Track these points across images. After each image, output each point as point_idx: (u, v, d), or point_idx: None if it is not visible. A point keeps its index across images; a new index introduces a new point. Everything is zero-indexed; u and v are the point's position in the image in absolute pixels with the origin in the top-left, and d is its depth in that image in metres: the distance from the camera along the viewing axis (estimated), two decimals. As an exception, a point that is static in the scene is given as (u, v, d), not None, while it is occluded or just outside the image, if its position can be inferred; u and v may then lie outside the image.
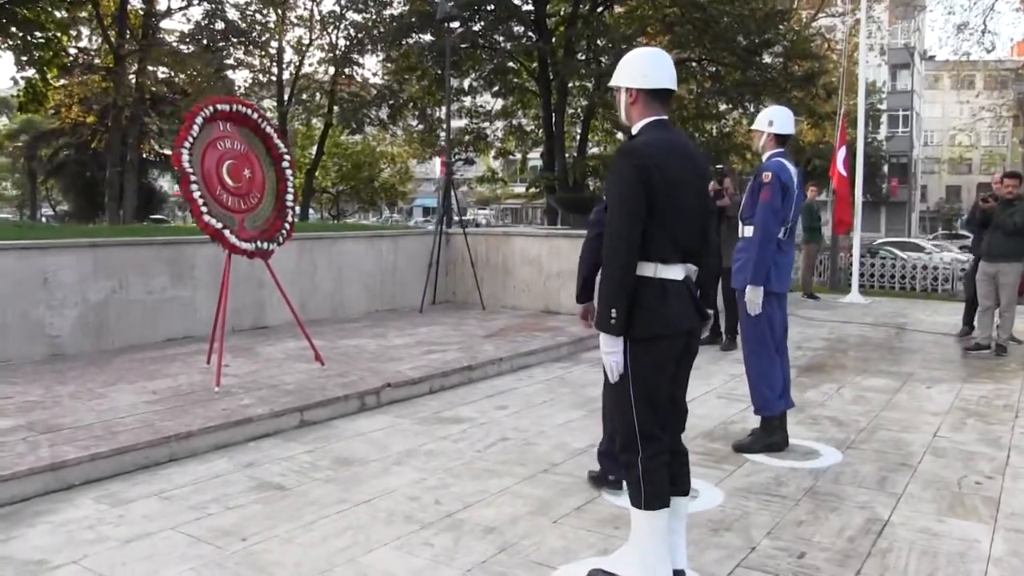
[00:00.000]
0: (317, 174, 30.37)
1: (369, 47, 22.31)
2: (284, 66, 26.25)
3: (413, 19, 19.75)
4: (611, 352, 3.04)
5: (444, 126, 25.98)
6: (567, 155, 23.71)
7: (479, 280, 10.34)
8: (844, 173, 12.72)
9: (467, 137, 25.33)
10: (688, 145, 3.32)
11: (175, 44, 24.40)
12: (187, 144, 5.71)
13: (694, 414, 5.70)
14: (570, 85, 22.84)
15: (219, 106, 6.02)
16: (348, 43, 24.33)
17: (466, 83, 24.05)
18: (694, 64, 21.38)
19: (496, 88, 23.57)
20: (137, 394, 5.62)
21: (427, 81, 22.61)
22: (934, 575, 3.36)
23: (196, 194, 5.69)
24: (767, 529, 3.82)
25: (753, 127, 5.26)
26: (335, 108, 25.30)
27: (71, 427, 4.78)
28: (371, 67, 26.27)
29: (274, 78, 26.32)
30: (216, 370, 5.81)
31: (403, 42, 20.85)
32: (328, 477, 4.44)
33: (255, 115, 6.27)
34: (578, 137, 24.83)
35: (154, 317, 7.67)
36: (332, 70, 25.61)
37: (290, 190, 6.49)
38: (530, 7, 21.79)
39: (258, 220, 6.27)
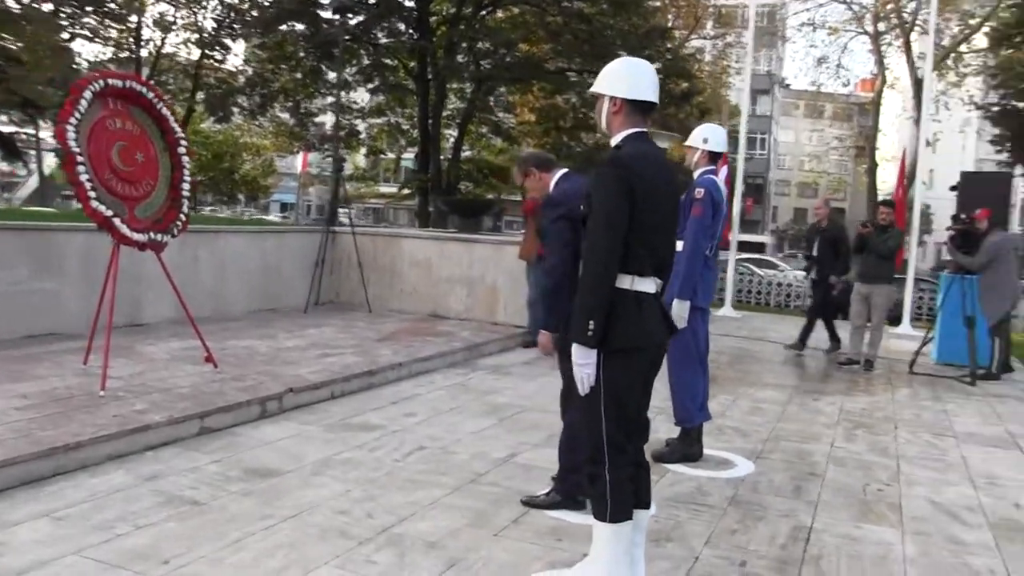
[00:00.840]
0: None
1: (241, 31, 21.24)
2: (143, 43, 24.63)
3: (291, 7, 18.96)
4: (585, 364, 2.97)
5: (314, 120, 25.36)
6: (442, 157, 23.48)
7: (366, 281, 10.00)
8: (725, 191, 13.07)
9: (340, 133, 24.63)
10: (665, 159, 3.30)
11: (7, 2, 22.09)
12: (73, 120, 5.16)
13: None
14: (448, 87, 22.66)
15: (111, 81, 5.49)
16: (217, 25, 23.12)
17: (335, 78, 23.40)
18: (574, 75, 21.60)
19: (374, 84, 23.06)
20: (3, 399, 5.01)
21: (300, 73, 21.81)
22: (865, 579, 3.50)
23: (83, 177, 5.16)
24: (704, 538, 3.87)
25: (687, 143, 5.29)
26: (199, 93, 24.03)
27: (-64, 435, 4.21)
28: (239, 53, 24.78)
29: (132, 55, 24.57)
30: (102, 372, 5.28)
31: (278, 30, 20.00)
32: (244, 490, 4.09)
33: (150, 94, 5.77)
34: (453, 139, 24.68)
35: (10, 311, 6.93)
36: (197, 52, 24.26)
37: (186, 178, 6.01)
38: (412, 4, 21.44)
39: (150, 209, 5.76)
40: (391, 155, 28.52)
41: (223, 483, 4.18)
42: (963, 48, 27.83)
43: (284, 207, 65.75)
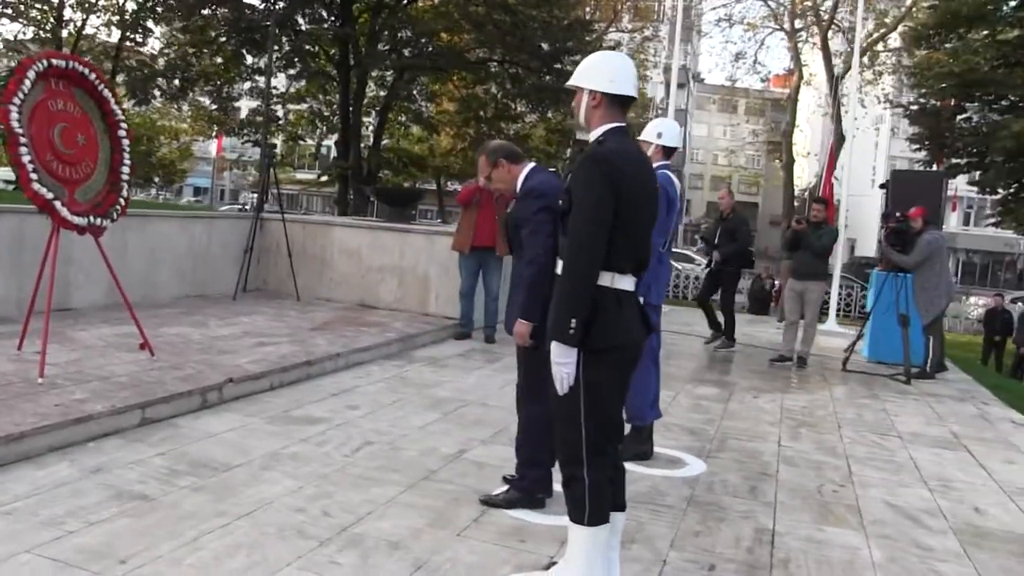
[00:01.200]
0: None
1: (164, 14, 20.55)
2: (64, 23, 23.56)
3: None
4: (565, 363, 2.96)
5: (234, 105, 24.76)
6: (362, 145, 23.24)
7: (295, 269, 9.89)
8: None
9: (258, 119, 24.15)
10: (645, 155, 3.34)
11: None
12: (16, 101, 4.99)
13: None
14: (370, 75, 22.42)
15: (54, 61, 5.32)
16: (138, 6, 22.27)
17: (262, 63, 22.92)
18: (495, 65, 21.65)
19: (297, 70, 22.66)
20: (-64, 384, 4.85)
21: (221, 58, 21.24)
22: (832, 583, 3.61)
23: (25, 159, 5.00)
24: (668, 540, 3.90)
25: (640, 138, 5.33)
26: (119, 76, 23.16)
27: None
28: (161, 36, 23.77)
29: (53, 36, 23.48)
30: (40, 359, 5.13)
31: (201, 14, 19.43)
32: (194, 485, 4.05)
33: (92, 75, 5.60)
34: (371, 128, 24.43)
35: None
36: (117, 34, 23.35)
37: (126, 162, 5.86)
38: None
39: (89, 193, 5.61)
40: (310, 142, 28.05)
41: (171, 477, 4.13)
42: (879, 47, 28.87)
43: (197, 191, 64.05)
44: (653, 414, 5.32)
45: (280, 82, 24.16)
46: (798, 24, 32.48)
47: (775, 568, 3.69)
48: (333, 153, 25.75)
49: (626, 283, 3.04)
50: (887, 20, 28.56)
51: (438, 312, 9.61)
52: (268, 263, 10.34)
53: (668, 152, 5.27)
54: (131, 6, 22.92)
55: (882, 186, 10.96)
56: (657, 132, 5.26)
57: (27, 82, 5.06)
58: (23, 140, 4.99)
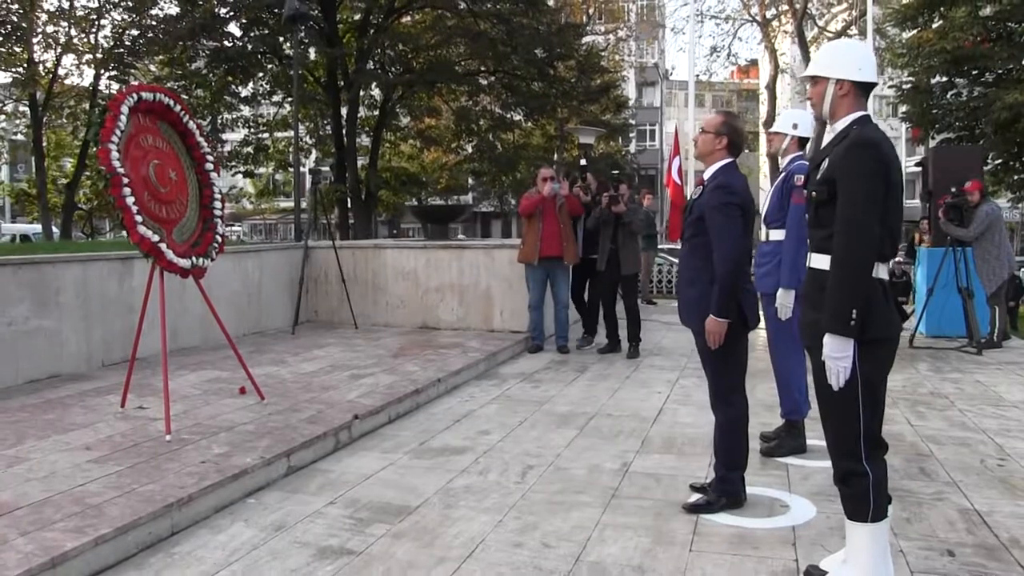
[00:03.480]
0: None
1: (144, 50, 20.01)
2: (36, 63, 22.87)
3: (203, 21, 17.98)
4: (842, 357, 2.82)
5: (221, 137, 24.23)
6: (359, 166, 22.82)
7: (350, 297, 9.52)
8: (679, 182, 13.18)
9: (246, 149, 23.67)
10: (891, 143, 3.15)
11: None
12: (115, 139, 4.62)
13: (681, 423, 5.57)
14: (361, 94, 22.02)
15: (143, 95, 4.94)
16: (115, 44, 21.71)
17: (244, 92, 22.47)
18: (492, 76, 21.37)
19: (281, 96, 22.22)
20: (67, 452, 4.42)
21: (206, 90, 20.72)
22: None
23: (129, 200, 4.62)
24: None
25: (775, 129, 5.12)
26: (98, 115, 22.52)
27: (25, 506, 3.64)
28: (140, 73, 23.10)
29: (32, 78, 22.75)
30: (165, 414, 4.74)
31: (189, 46, 18.93)
32: (391, 532, 3.69)
33: (178, 107, 5.23)
34: (358, 147, 24.00)
35: (13, 354, 6.22)
36: (94, 73, 22.71)
37: (217, 196, 5.49)
38: (318, 13, 20.70)
39: (185, 232, 5.24)
40: (305, 167, 27.54)
41: (360, 526, 3.77)
42: (853, 31, 28.98)
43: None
44: (807, 407, 5.08)
45: (269, 110, 23.68)
46: (770, 14, 32.54)
47: (1013, 549, 3.52)
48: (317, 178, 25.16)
49: (884, 272, 2.91)
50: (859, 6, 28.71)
51: (503, 327, 9.29)
52: (317, 293, 9.95)
53: (803, 143, 5.04)
54: (105, 43, 22.27)
55: (918, 164, 10.87)
56: (792, 123, 5.02)
57: (123, 118, 4.69)
58: (126, 181, 4.61)
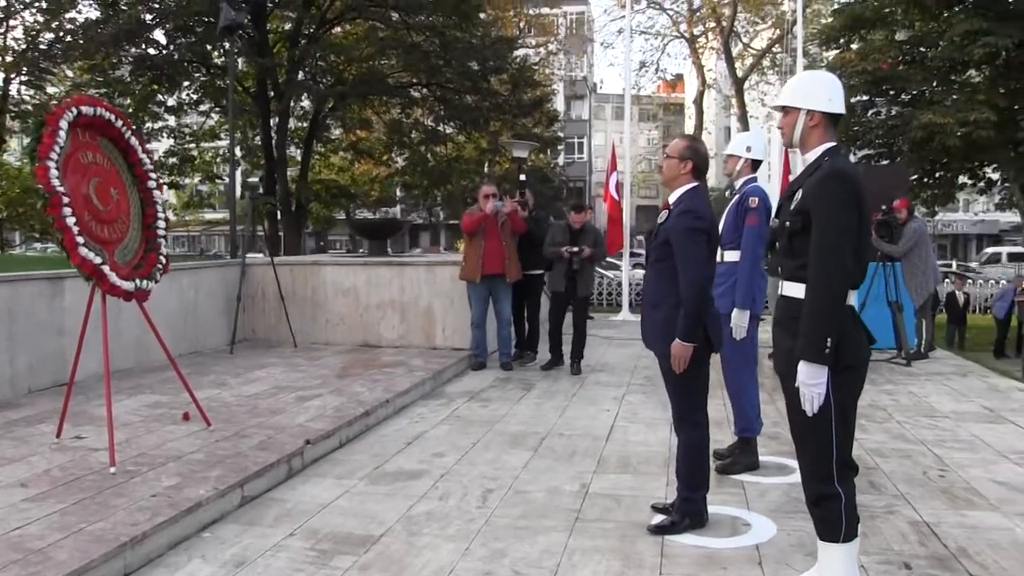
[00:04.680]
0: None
1: (61, 55, 19.26)
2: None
3: (128, 27, 17.41)
4: (817, 383, 2.87)
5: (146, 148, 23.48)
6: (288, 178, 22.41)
7: (289, 315, 9.31)
8: (616, 197, 13.29)
9: (171, 160, 23.03)
10: None
11: None
12: (54, 156, 4.41)
13: (633, 441, 5.59)
14: (291, 106, 21.66)
15: (83, 109, 4.73)
16: (28, 47, 20.83)
17: (170, 101, 21.88)
18: (425, 88, 21.26)
19: (209, 106, 21.71)
20: (2, 491, 4.19)
21: (129, 100, 20.07)
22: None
23: (70, 220, 4.42)
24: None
25: (729, 152, 5.18)
26: (14, 122, 21.62)
27: (-37, 547, 3.42)
28: (58, 80, 22.21)
29: None
30: (109, 444, 4.52)
31: (112, 52, 18.29)
32: (358, 564, 3.59)
33: (120, 122, 5.03)
34: (288, 159, 23.57)
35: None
36: (3, 77, 21.74)
37: (160, 216, 5.29)
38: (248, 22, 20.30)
39: (128, 254, 5.03)
40: (228, 179, 26.89)
41: (323, 559, 3.66)
42: (776, 49, 29.78)
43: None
44: (760, 425, 5.16)
45: (196, 120, 23.08)
46: (698, 31, 33.26)
47: (961, 558, 3.64)
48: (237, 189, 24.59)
49: (853, 299, 2.98)
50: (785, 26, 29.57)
51: (445, 344, 9.19)
52: (254, 310, 9.70)
53: (756, 165, 5.11)
54: (13, 45, 21.36)
55: None
56: (746, 146, 5.10)
57: (61, 134, 4.48)
58: (66, 200, 4.40)
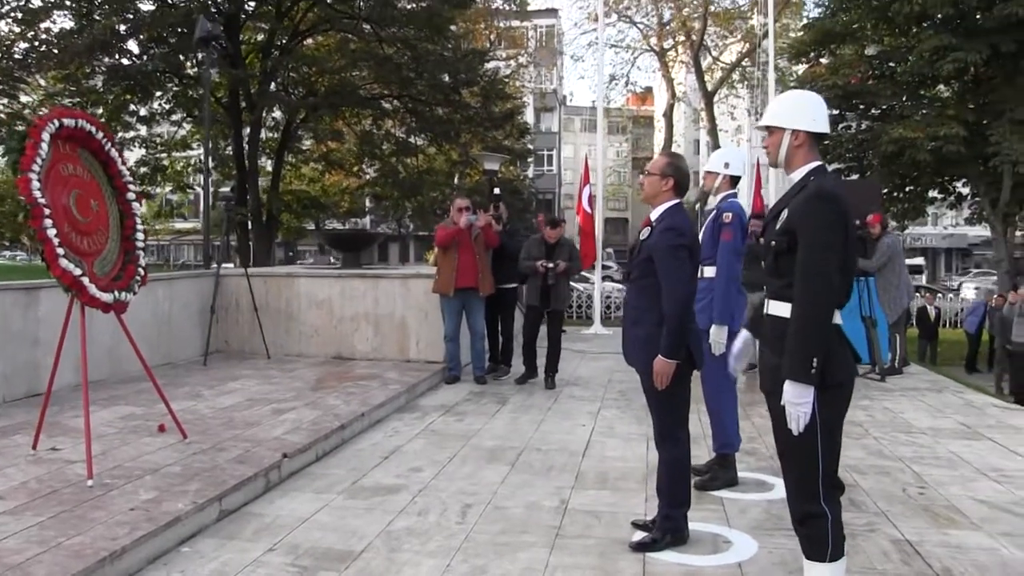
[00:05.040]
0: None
1: (35, 65, 19.03)
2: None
3: (103, 37, 17.24)
4: (803, 403, 2.91)
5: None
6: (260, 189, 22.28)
7: (263, 326, 9.28)
8: (589, 210, 13.40)
9: (143, 170, 22.81)
10: None
11: None
12: (36, 168, 4.40)
13: (610, 457, 5.63)
14: (263, 116, 21.57)
15: (64, 121, 4.72)
16: (2, 57, 20.55)
17: (142, 111, 21.69)
18: (397, 100, 21.28)
19: (181, 116, 21.55)
20: (-28, 503, 4.16)
21: (102, 110, 19.88)
22: None
23: (51, 232, 4.40)
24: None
25: (708, 168, 5.25)
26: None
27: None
28: (32, 89, 21.90)
29: None
30: (87, 456, 4.50)
31: (86, 62, 18.10)
32: (340, 580, 3.61)
33: (100, 134, 5.02)
34: (259, 169, 23.45)
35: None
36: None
37: (139, 228, 5.29)
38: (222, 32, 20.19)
39: (106, 265, 5.02)
40: (198, 189, 26.70)
41: (305, 575, 3.67)
42: (747, 63, 30.19)
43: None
44: (738, 441, 5.24)
45: (167, 129, 22.90)
46: (667, 44, 33.61)
47: None
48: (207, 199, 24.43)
49: (839, 317, 3.02)
50: (754, 40, 30.00)
51: (419, 357, 9.21)
52: (228, 321, 9.65)
53: (735, 181, 5.19)
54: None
55: None
56: (724, 162, 5.17)
57: (44, 146, 4.47)
58: (48, 212, 4.39)
